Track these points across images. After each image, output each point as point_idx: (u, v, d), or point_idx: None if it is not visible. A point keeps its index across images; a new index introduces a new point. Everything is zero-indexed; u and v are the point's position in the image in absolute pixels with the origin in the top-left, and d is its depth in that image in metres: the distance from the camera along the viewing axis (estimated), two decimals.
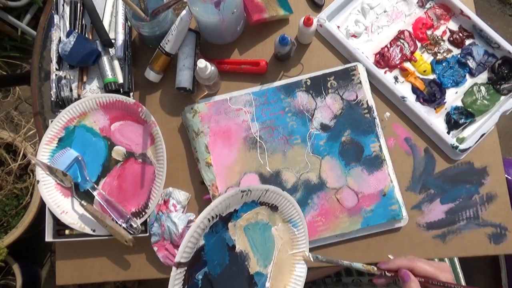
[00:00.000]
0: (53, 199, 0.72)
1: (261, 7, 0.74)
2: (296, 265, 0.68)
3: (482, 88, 0.77)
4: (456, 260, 0.89)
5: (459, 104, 0.76)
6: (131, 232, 0.70)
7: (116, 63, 0.77)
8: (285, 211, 0.67)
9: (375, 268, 0.60)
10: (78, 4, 0.78)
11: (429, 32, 0.78)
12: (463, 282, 0.87)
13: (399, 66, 0.77)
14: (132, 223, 0.70)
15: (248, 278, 0.64)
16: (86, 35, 0.78)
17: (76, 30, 0.77)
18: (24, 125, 1.36)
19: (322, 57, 0.79)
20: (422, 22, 0.78)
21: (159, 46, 0.73)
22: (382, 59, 0.78)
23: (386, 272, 0.58)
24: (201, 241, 0.60)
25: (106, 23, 0.78)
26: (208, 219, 0.60)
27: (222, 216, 0.62)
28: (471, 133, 0.75)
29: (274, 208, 0.67)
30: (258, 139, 0.74)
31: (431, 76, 0.77)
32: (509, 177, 1.01)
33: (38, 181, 0.72)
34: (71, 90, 0.77)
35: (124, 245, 0.69)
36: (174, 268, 0.57)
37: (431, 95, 0.76)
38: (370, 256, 0.73)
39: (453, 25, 0.79)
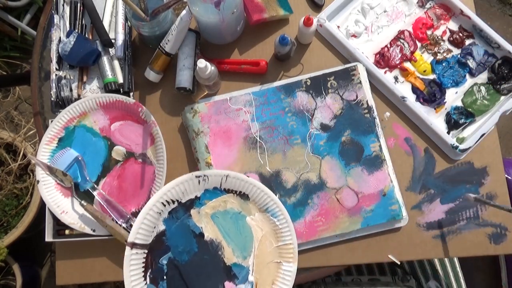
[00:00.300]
0: (53, 199, 0.72)
1: (261, 7, 0.74)
2: (284, 259, 0.66)
3: (482, 88, 0.77)
4: (455, 260, 0.89)
5: (459, 104, 0.76)
6: None
7: (116, 63, 0.77)
8: (258, 199, 0.66)
9: None
10: (78, 4, 0.78)
11: (429, 32, 0.78)
12: (462, 282, 0.87)
13: (399, 66, 0.77)
14: (132, 223, 0.70)
15: (225, 269, 0.63)
16: (86, 35, 0.78)
17: (76, 30, 0.77)
18: (24, 125, 1.36)
19: (322, 57, 0.79)
20: (422, 22, 0.78)
21: (159, 46, 0.73)
22: (382, 59, 0.78)
23: None
24: (161, 226, 0.61)
25: (106, 23, 0.78)
26: (162, 203, 0.60)
27: (182, 202, 0.62)
28: (471, 133, 0.75)
29: (244, 196, 0.66)
30: (258, 139, 0.74)
31: (431, 76, 0.77)
32: (509, 177, 1.01)
33: (38, 181, 0.72)
34: (71, 90, 0.77)
35: (124, 245, 0.69)
36: (128, 248, 0.58)
37: (431, 95, 0.76)
38: (370, 256, 0.73)
39: (453, 25, 0.79)
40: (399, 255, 0.72)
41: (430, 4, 0.79)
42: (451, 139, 0.73)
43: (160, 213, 0.61)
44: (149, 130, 0.73)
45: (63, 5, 0.77)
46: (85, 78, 0.78)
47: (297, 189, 0.72)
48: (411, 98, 0.76)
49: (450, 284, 0.86)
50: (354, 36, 0.79)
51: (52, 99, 0.74)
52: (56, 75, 0.76)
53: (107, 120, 0.75)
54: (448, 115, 0.76)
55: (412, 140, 0.76)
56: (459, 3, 0.77)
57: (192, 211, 0.64)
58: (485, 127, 0.74)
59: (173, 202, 0.62)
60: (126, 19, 0.77)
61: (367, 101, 0.74)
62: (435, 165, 0.75)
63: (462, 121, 0.75)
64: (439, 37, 0.78)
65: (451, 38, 0.78)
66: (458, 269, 0.88)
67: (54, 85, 0.75)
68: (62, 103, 0.76)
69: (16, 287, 1.24)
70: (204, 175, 0.63)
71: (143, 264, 0.61)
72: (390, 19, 0.79)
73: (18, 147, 1.25)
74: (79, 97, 0.77)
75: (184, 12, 0.71)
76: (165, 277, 0.61)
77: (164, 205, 0.61)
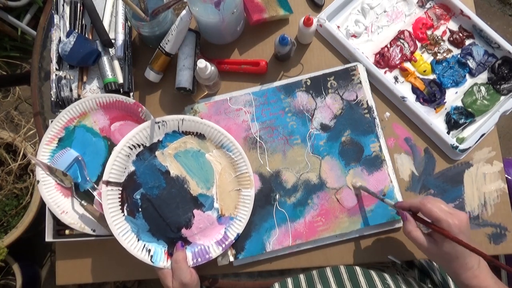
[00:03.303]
0: (53, 199, 0.72)
1: (261, 7, 0.74)
2: (243, 186, 0.72)
3: (482, 88, 0.77)
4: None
5: (459, 104, 0.76)
6: None
7: (116, 63, 0.77)
8: (214, 138, 0.72)
9: (393, 203, 0.65)
10: (78, 4, 0.78)
11: (429, 32, 0.78)
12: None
13: (399, 66, 0.77)
14: None
15: (192, 199, 0.71)
16: (86, 35, 0.78)
17: (76, 30, 0.77)
18: (24, 125, 1.36)
19: (322, 57, 0.79)
20: (422, 22, 0.78)
21: (159, 46, 0.73)
22: (382, 59, 0.78)
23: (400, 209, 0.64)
24: (131, 167, 0.70)
25: (106, 23, 0.78)
26: (129, 147, 0.69)
27: (147, 146, 0.70)
28: (471, 133, 0.75)
29: (201, 136, 0.72)
30: (258, 139, 0.74)
31: (431, 76, 0.77)
32: (509, 177, 1.01)
33: (38, 181, 0.72)
34: (71, 90, 0.77)
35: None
36: (103, 185, 0.68)
37: (431, 95, 0.76)
38: (370, 256, 0.73)
39: (453, 25, 0.79)
40: (399, 255, 0.72)
41: (430, 4, 0.79)
42: (451, 139, 0.73)
43: (128, 155, 0.70)
44: None
45: (63, 5, 0.78)
46: (85, 78, 0.78)
47: (297, 189, 0.72)
48: (411, 98, 0.76)
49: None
50: (354, 36, 0.79)
51: (52, 99, 0.74)
52: (56, 75, 0.76)
53: (107, 120, 0.75)
54: (448, 115, 0.76)
55: (412, 140, 0.76)
56: (459, 3, 0.77)
57: (157, 153, 0.71)
58: (485, 127, 0.74)
59: (139, 146, 0.70)
60: (126, 19, 0.77)
61: (367, 101, 0.74)
62: (435, 165, 0.75)
63: (462, 121, 0.75)
64: (439, 37, 0.78)
65: (451, 38, 0.78)
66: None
67: (54, 85, 0.75)
68: (62, 103, 0.76)
69: (16, 287, 1.24)
70: (163, 121, 0.70)
71: (119, 200, 0.69)
72: (390, 19, 0.79)
73: (18, 147, 1.25)
74: (79, 97, 0.77)
75: (184, 12, 0.71)
76: (140, 209, 0.70)
77: (131, 149, 0.70)
